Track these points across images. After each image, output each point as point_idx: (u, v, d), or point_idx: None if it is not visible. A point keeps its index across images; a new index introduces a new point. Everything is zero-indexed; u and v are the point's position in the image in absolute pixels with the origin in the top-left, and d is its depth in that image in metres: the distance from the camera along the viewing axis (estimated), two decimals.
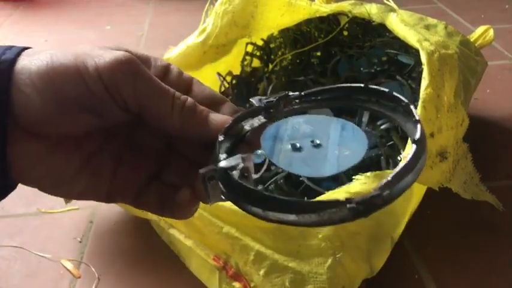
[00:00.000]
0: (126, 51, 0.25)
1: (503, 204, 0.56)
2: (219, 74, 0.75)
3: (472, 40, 0.71)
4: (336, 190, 0.47)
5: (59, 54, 0.24)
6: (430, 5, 1.38)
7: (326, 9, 0.68)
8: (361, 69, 0.73)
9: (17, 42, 0.93)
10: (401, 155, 0.53)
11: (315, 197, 0.47)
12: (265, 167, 0.25)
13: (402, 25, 0.61)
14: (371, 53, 0.73)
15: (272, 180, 0.58)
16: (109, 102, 0.24)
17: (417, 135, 0.22)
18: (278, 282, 0.44)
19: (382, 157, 0.59)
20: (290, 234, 0.45)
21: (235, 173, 0.23)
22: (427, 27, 0.67)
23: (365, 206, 0.20)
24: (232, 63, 0.78)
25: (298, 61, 0.79)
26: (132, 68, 0.24)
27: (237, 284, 0.47)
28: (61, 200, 0.62)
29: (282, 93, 0.27)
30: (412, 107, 0.25)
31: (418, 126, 0.23)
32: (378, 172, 0.48)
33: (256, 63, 0.80)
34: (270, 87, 0.68)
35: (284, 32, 0.78)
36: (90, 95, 0.24)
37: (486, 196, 0.55)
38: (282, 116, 0.27)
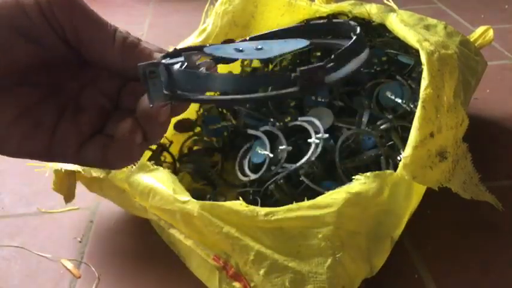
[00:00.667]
0: None
1: (503, 204, 0.56)
2: None
3: (471, 40, 0.71)
4: (336, 190, 0.47)
5: None
6: (430, 5, 1.38)
7: (326, 9, 0.68)
8: (361, 69, 0.73)
9: None
10: (401, 155, 0.53)
11: (315, 197, 0.47)
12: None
13: (402, 25, 0.61)
14: (371, 53, 0.73)
15: (272, 180, 0.59)
16: (47, 29, 0.24)
17: (357, 31, 0.23)
18: (278, 282, 0.44)
19: (381, 157, 0.59)
20: (290, 234, 0.45)
21: (177, 66, 0.22)
22: (427, 27, 0.67)
23: (308, 75, 0.20)
24: (232, 63, 0.78)
25: (298, 61, 0.79)
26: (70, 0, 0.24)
27: (237, 284, 0.47)
28: (61, 199, 0.62)
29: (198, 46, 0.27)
30: (352, 23, 0.26)
31: (358, 28, 0.24)
32: (377, 172, 0.48)
33: (256, 63, 0.80)
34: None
35: None
36: (29, 22, 0.24)
37: (486, 196, 0.55)
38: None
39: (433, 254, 0.57)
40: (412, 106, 0.62)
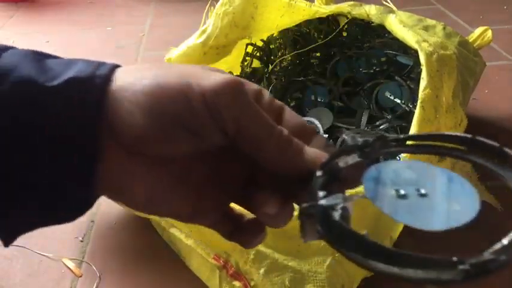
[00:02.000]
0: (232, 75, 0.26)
1: (502, 204, 0.56)
2: None
3: (470, 41, 0.72)
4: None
5: (163, 73, 0.24)
6: (429, 6, 1.38)
7: (325, 10, 0.68)
8: (360, 69, 0.73)
9: (19, 44, 0.93)
10: (400, 155, 0.53)
11: None
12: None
13: (401, 26, 0.62)
14: (370, 54, 0.74)
15: None
16: (210, 124, 0.24)
17: None
18: (278, 281, 0.45)
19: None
20: (290, 234, 0.46)
21: (335, 213, 0.21)
22: (426, 28, 0.68)
23: (478, 269, 0.19)
24: (232, 64, 0.79)
25: (297, 62, 0.79)
26: (236, 92, 0.24)
27: (237, 283, 0.48)
28: None
29: (379, 134, 0.27)
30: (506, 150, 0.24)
31: None
32: None
33: (256, 64, 0.80)
34: (270, 88, 0.69)
35: (284, 32, 0.78)
36: (193, 115, 0.24)
37: (485, 196, 0.55)
38: (378, 156, 0.26)
39: (432, 254, 0.57)
40: (411, 106, 0.62)
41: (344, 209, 0.21)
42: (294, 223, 0.45)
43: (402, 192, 0.22)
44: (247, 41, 0.75)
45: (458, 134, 0.26)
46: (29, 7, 1.50)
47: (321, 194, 0.22)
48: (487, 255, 0.19)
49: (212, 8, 0.72)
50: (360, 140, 0.26)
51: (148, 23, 1.35)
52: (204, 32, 0.71)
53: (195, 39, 0.71)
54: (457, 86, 0.56)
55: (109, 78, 0.24)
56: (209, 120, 0.24)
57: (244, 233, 0.29)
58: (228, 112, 0.24)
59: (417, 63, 0.65)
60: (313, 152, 0.26)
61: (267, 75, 0.76)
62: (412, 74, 0.69)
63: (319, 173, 0.23)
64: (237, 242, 0.29)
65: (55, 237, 0.63)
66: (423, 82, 0.52)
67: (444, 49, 0.57)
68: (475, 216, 0.21)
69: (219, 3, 0.71)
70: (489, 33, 0.73)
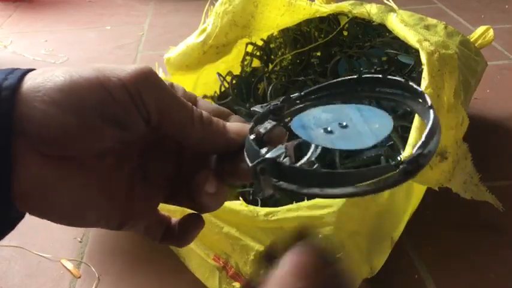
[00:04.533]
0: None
1: (503, 204, 0.56)
2: (219, 74, 0.75)
3: (472, 40, 0.71)
4: None
5: (76, 70, 0.23)
6: (430, 5, 1.38)
7: (326, 9, 0.68)
8: (361, 69, 0.73)
9: (18, 43, 0.93)
10: (401, 155, 0.53)
11: (315, 197, 0.47)
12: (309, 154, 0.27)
13: (402, 25, 0.61)
14: (371, 53, 0.73)
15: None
16: (133, 111, 0.24)
17: (429, 124, 0.24)
18: None
19: (382, 157, 0.59)
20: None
21: (285, 160, 0.23)
22: (427, 27, 0.67)
23: (413, 165, 0.22)
24: (232, 63, 0.78)
25: (298, 61, 0.79)
26: (155, 79, 0.24)
27: (237, 284, 0.47)
28: None
29: (283, 97, 0.29)
30: (426, 95, 0.26)
31: (431, 112, 0.25)
32: None
33: (256, 63, 0.80)
34: (270, 87, 0.68)
35: (284, 32, 0.78)
36: (114, 103, 0.23)
37: (486, 196, 0.55)
38: (288, 116, 0.29)
39: (433, 254, 0.57)
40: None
41: (290, 156, 0.24)
42: (294, 223, 0.45)
43: (328, 128, 0.25)
44: (247, 40, 0.75)
45: (349, 77, 0.29)
46: (27, 6, 1.49)
47: (263, 150, 0.24)
48: (414, 152, 0.22)
49: (212, 7, 0.72)
50: (269, 106, 0.29)
51: (148, 23, 1.35)
52: (203, 31, 0.70)
53: (194, 39, 0.71)
54: (458, 86, 0.55)
55: (17, 86, 0.22)
56: (131, 106, 0.24)
57: (176, 234, 0.29)
58: (150, 96, 0.24)
59: (418, 62, 0.64)
60: (235, 125, 0.27)
61: (267, 75, 0.75)
62: (413, 73, 0.69)
63: (252, 136, 0.26)
64: (170, 244, 0.29)
65: (54, 238, 0.63)
66: (424, 82, 0.52)
67: (445, 48, 0.57)
68: (392, 127, 0.25)
69: (218, 2, 0.70)
70: (491, 32, 0.72)
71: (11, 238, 0.63)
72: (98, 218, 0.26)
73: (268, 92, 0.68)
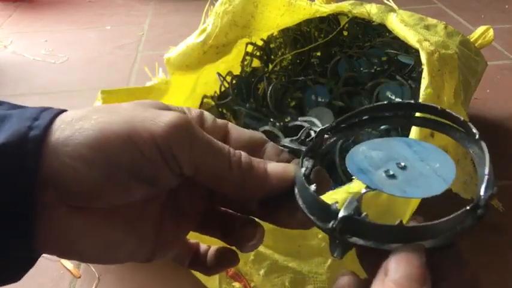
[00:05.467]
0: (176, 110, 0.24)
1: (503, 204, 0.56)
2: (219, 74, 0.75)
3: (472, 40, 0.71)
4: (336, 190, 0.47)
5: (106, 120, 0.22)
6: (430, 5, 1.38)
7: (326, 9, 0.68)
8: (361, 69, 0.73)
9: (18, 43, 0.93)
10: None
11: None
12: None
13: (402, 25, 0.61)
14: (371, 53, 0.73)
15: None
16: (163, 169, 0.23)
17: (486, 156, 0.23)
18: (278, 282, 0.44)
19: None
20: (290, 234, 0.45)
21: (363, 216, 0.22)
22: (427, 27, 0.67)
23: (486, 208, 0.21)
24: (232, 63, 0.78)
25: (298, 61, 0.79)
26: (187, 132, 0.23)
27: (237, 284, 0.47)
28: None
29: (315, 132, 0.27)
30: (470, 124, 0.25)
31: (483, 144, 0.24)
32: None
33: (256, 63, 0.80)
34: (270, 87, 0.68)
35: (284, 32, 0.78)
36: (145, 162, 0.22)
37: None
38: (324, 153, 0.27)
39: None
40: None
41: (359, 208, 0.22)
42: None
43: (391, 172, 0.23)
44: (247, 40, 0.75)
45: (392, 103, 0.28)
46: (27, 6, 1.49)
47: (333, 206, 0.22)
48: (485, 194, 0.21)
49: (212, 7, 0.72)
50: (299, 140, 0.27)
51: (148, 23, 1.35)
52: (203, 31, 0.70)
53: (194, 39, 0.71)
54: (458, 86, 0.55)
55: (43, 137, 0.22)
56: (162, 164, 0.23)
57: (205, 262, 0.29)
58: (182, 151, 0.23)
59: (418, 62, 0.64)
60: (276, 169, 0.25)
61: (267, 75, 0.75)
62: (413, 73, 0.69)
63: (312, 188, 0.23)
64: (197, 270, 0.29)
65: None
66: (424, 82, 0.52)
67: (445, 48, 0.57)
68: (454, 164, 0.23)
69: (218, 2, 0.70)
70: (491, 32, 0.72)
71: None
72: (126, 256, 0.25)
73: (268, 92, 0.68)
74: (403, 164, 0.24)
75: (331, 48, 0.77)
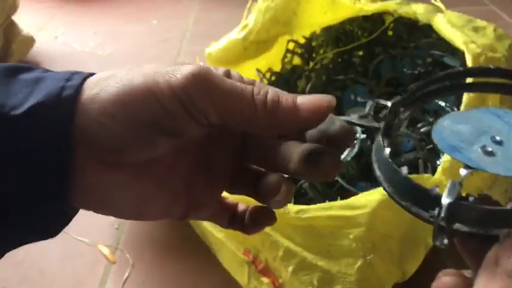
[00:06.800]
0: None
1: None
2: (258, 70, 0.75)
3: None
4: (370, 191, 0.46)
5: (128, 77, 0.23)
6: (482, 6, 1.33)
7: (370, 8, 0.67)
8: (404, 70, 0.71)
9: (68, 34, 0.97)
10: (441, 159, 0.51)
11: (349, 197, 0.46)
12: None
13: (449, 26, 0.59)
14: (415, 54, 0.72)
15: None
16: (187, 120, 0.23)
17: None
18: (306, 280, 0.44)
19: (420, 160, 0.57)
20: (321, 233, 0.45)
21: (470, 201, 0.21)
22: (476, 29, 0.65)
23: None
24: (272, 60, 0.78)
25: (339, 60, 0.78)
26: (206, 81, 0.23)
27: (265, 279, 0.48)
28: None
29: (386, 105, 0.25)
30: None
31: None
32: (415, 175, 0.47)
33: (296, 61, 0.79)
34: (309, 85, 0.68)
35: (327, 30, 0.77)
36: (166, 115, 0.23)
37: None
38: (397, 129, 0.26)
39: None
40: (455, 109, 0.60)
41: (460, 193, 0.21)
42: (325, 222, 0.45)
43: (489, 149, 0.21)
44: (288, 37, 0.75)
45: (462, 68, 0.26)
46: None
47: (434, 190, 0.21)
48: None
49: (254, 3, 0.72)
50: (369, 115, 0.25)
51: (193, 18, 1.37)
52: (245, 27, 0.71)
53: (236, 34, 0.71)
54: None
55: (75, 97, 0.23)
56: (185, 116, 0.23)
57: (243, 221, 0.28)
58: (203, 100, 0.23)
59: (464, 65, 0.62)
60: (308, 100, 0.24)
61: (306, 73, 0.75)
62: None
63: (404, 171, 0.22)
64: (237, 230, 0.29)
65: (92, 223, 0.65)
66: None
67: (493, 51, 0.55)
68: None
69: None
70: None
71: None
72: (160, 213, 0.26)
73: (307, 90, 0.68)
74: (498, 138, 0.22)
75: (375, 48, 0.76)
